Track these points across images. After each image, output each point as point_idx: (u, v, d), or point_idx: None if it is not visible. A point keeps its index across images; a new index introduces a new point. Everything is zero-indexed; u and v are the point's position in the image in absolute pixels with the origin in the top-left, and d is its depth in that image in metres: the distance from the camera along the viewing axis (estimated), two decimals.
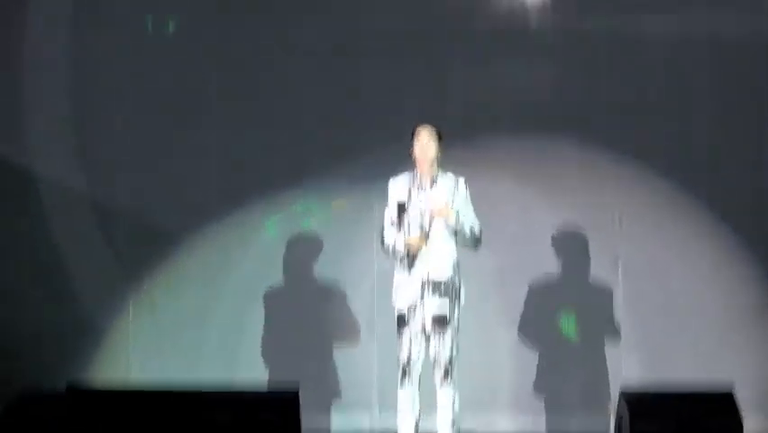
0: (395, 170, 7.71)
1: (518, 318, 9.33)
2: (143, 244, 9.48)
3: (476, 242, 7.62)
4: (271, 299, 9.53)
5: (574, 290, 9.36)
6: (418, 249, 7.32)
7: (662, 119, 9.32)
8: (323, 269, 9.48)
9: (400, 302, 7.51)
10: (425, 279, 7.49)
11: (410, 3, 9.41)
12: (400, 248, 7.39)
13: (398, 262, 7.44)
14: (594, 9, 9.38)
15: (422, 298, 7.46)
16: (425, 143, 7.54)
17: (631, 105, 9.25)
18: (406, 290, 7.55)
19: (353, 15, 9.41)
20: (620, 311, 9.28)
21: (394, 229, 7.45)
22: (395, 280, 7.56)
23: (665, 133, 9.32)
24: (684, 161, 9.30)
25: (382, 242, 7.53)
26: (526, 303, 9.33)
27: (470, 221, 7.55)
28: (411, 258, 7.32)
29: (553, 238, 9.37)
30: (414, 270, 7.47)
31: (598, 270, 9.36)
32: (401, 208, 7.43)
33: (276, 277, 9.56)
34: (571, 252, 9.37)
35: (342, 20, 9.42)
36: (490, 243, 8.25)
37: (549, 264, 9.40)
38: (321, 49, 9.41)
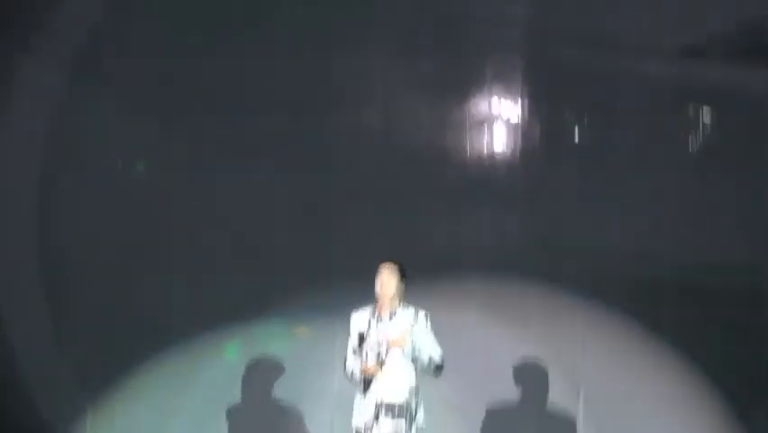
0: (360, 304, 7.96)
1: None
2: (103, 357, 9.43)
3: (437, 369, 7.85)
4: (231, 418, 9.48)
5: (535, 419, 9.41)
6: (374, 375, 7.66)
7: (624, 260, 9.45)
8: (283, 390, 9.52)
9: (357, 420, 7.80)
10: (379, 401, 7.75)
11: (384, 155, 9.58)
12: (358, 374, 7.72)
13: (357, 387, 7.76)
14: (559, 164, 9.59)
15: (376, 418, 7.73)
16: (386, 281, 7.85)
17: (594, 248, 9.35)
18: (362, 410, 7.82)
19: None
20: None
21: (355, 357, 7.77)
22: (355, 401, 7.84)
23: (627, 274, 9.45)
24: (646, 299, 9.41)
25: (344, 368, 7.85)
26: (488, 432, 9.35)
27: (428, 350, 7.79)
28: (367, 383, 7.65)
29: (515, 369, 9.43)
30: (369, 393, 7.76)
31: (560, 399, 9.41)
32: (361, 338, 7.74)
33: (235, 397, 9.53)
34: (532, 382, 9.43)
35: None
36: (453, 374, 8.39)
37: (511, 394, 9.44)
38: (296, 186, 9.63)
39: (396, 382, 7.85)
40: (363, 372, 7.70)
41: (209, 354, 9.58)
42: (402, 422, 7.77)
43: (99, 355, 9.45)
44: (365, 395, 7.72)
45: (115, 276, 9.56)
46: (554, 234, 9.47)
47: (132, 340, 9.48)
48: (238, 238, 9.54)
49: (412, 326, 7.79)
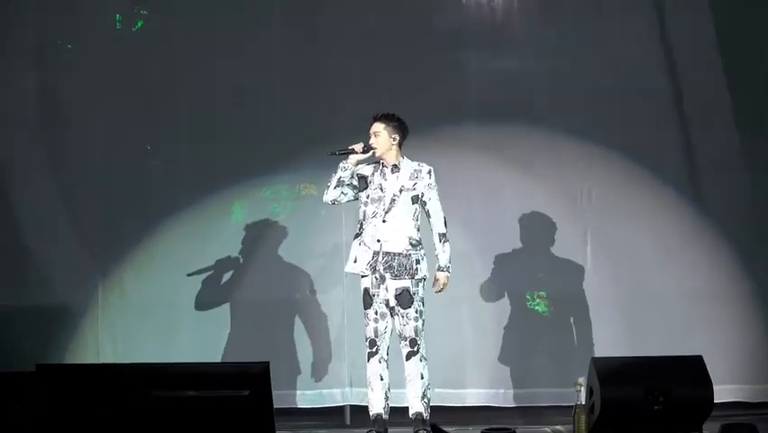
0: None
1: (489, 295, 9.27)
2: (112, 228, 9.30)
3: (441, 236, 7.66)
4: (240, 281, 9.41)
5: (544, 266, 9.29)
6: (356, 152, 7.40)
7: (631, 103, 9.28)
8: (291, 251, 9.35)
9: (351, 266, 7.56)
10: (378, 249, 7.49)
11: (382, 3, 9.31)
12: (343, 164, 7.42)
13: (335, 184, 7.49)
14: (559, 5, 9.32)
15: (374, 270, 7.51)
16: (375, 134, 7.61)
17: (602, 91, 9.28)
18: (358, 257, 7.58)
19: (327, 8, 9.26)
20: (590, 286, 9.27)
21: (339, 187, 7.52)
22: (351, 247, 7.59)
23: (634, 117, 9.27)
24: (654, 144, 9.29)
25: (326, 190, 7.54)
26: (496, 280, 9.23)
27: (433, 217, 7.60)
28: (346, 152, 7.32)
29: (522, 217, 9.30)
30: (367, 239, 7.52)
31: (568, 246, 9.28)
32: (362, 180, 7.52)
33: (244, 260, 9.43)
34: (539, 230, 9.29)
35: (316, 13, 9.31)
36: (460, 225, 8.51)
37: (518, 242, 9.34)
38: (292, 40, 9.30)
39: (396, 231, 7.56)
40: (349, 150, 7.46)
41: (218, 218, 9.41)
42: (408, 282, 7.54)
43: (108, 226, 9.34)
44: (364, 241, 7.42)
45: (121, 145, 9.39)
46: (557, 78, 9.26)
47: (138, 207, 9.38)
48: (238, 96, 9.30)
49: (415, 180, 7.53)
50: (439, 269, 7.55)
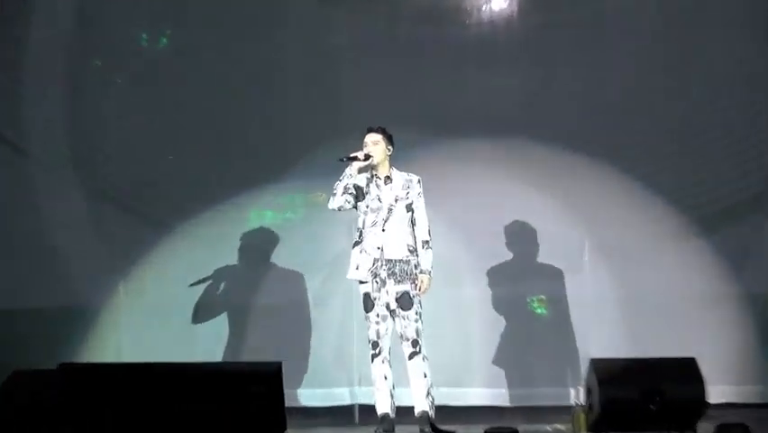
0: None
1: (491, 298, 9.12)
2: (133, 228, 9.25)
3: (424, 244, 7.55)
4: (255, 284, 9.36)
5: (544, 270, 9.16)
6: (359, 160, 7.29)
7: (624, 116, 9.22)
8: (302, 256, 9.29)
9: (353, 273, 7.45)
10: (378, 256, 7.44)
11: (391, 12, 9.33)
12: (348, 171, 7.34)
13: (341, 191, 7.39)
14: (558, 10, 9.28)
15: (376, 276, 7.43)
16: (375, 142, 7.52)
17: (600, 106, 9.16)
18: (359, 264, 7.49)
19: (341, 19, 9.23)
20: (588, 290, 9.17)
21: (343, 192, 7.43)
22: (352, 254, 7.49)
23: (626, 128, 9.22)
24: (648, 157, 9.20)
25: (332, 196, 7.44)
26: (498, 284, 9.13)
27: (419, 224, 7.53)
28: (350, 159, 7.18)
29: (523, 223, 9.22)
30: (368, 247, 7.43)
31: (567, 251, 9.19)
32: (358, 190, 7.41)
33: (258, 264, 9.39)
34: (539, 235, 9.22)
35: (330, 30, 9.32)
36: (463, 232, 8.65)
37: (519, 247, 9.21)
38: (303, 52, 9.32)
39: (395, 239, 7.51)
40: (353, 158, 7.34)
41: (235, 224, 9.37)
42: (408, 286, 7.50)
43: (129, 228, 9.29)
44: (345, 161, 7.33)
45: (145, 153, 9.37)
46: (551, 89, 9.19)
47: (160, 208, 9.33)
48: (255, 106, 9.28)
49: (407, 191, 7.48)
50: (421, 272, 7.48)
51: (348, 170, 7.35)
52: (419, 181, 7.53)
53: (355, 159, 7.33)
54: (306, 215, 9.27)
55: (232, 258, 9.24)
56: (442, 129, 9.06)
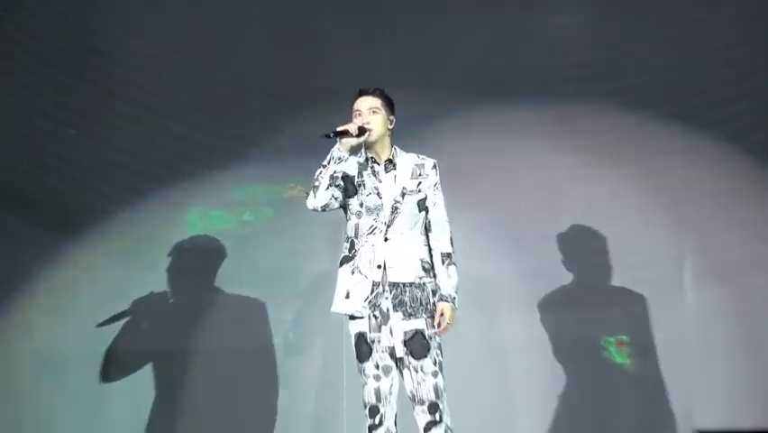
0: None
1: (544, 337, 7.90)
2: (11, 240, 8.12)
3: (445, 258, 6.52)
4: (199, 321, 8.09)
5: (625, 299, 7.93)
6: (352, 134, 6.24)
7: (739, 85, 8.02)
8: (269, 278, 8.11)
9: (341, 305, 6.42)
10: (380, 279, 6.37)
11: None
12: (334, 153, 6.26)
13: (326, 183, 6.31)
14: None
15: (375, 310, 6.35)
16: (372, 110, 6.44)
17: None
18: (352, 291, 6.42)
19: None
20: (691, 329, 7.91)
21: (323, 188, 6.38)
22: (338, 275, 6.42)
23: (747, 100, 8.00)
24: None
25: (307, 194, 6.39)
26: (557, 318, 7.92)
27: (436, 229, 6.50)
28: (339, 133, 6.20)
29: (592, 228, 7.99)
30: (362, 268, 6.37)
31: (659, 271, 7.91)
32: (347, 180, 6.37)
33: (204, 291, 8.16)
34: (618, 247, 7.97)
35: None
36: (504, 240, 7.78)
37: (587, 264, 7.96)
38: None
39: (403, 253, 6.34)
40: (342, 133, 6.27)
41: (165, 232, 8.15)
42: (422, 322, 6.30)
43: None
44: (331, 137, 6.26)
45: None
46: None
47: (47, 216, 8.20)
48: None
49: (419, 182, 6.43)
50: (441, 298, 6.44)
51: (335, 152, 6.30)
52: (435, 166, 6.49)
53: (345, 134, 6.30)
54: (273, 217, 8.16)
55: (159, 282, 8.00)
56: (467, 92, 8.14)
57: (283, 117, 8.05)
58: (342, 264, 6.36)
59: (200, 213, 8.18)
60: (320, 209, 6.33)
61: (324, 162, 6.22)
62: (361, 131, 6.20)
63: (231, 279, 8.06)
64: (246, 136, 8.10)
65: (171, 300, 7.99)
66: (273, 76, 8.19)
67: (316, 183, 6.27)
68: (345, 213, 6.41)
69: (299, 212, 7.32)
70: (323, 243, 7.83)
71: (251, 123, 8.16)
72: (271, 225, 8.10)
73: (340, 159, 6.20)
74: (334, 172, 6.24)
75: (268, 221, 8.11)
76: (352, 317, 6.34)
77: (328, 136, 6.15)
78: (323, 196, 6.23)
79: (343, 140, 6.21)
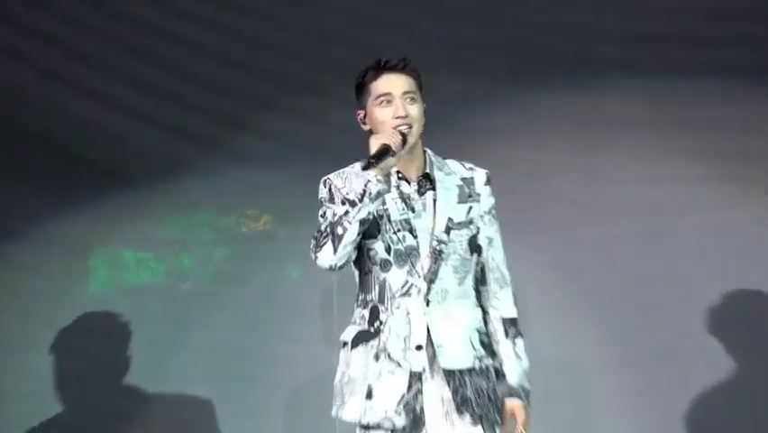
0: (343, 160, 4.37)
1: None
2: None
3: (508, 325, 4.32)
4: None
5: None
6: (393, 148, 4.05)
7: None
8: (225, 361, 5.79)
9: (354, 412, 4.22)
10: (420, 368, 4.21)
11: None
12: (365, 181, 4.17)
13: (355, 232, 4.21)
14: None
15: (411, 414, 4.19)
16: (408, 96, 4.16)
17: None
18: (375, 388, 4.21)
19: None
20: None
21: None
22: (347, 357, 4.22)
23: None
24: None
25: (317, 244, 4.16)
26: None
27: (494, 279, 4.30)
28: (379, 155, 4.02)
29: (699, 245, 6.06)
30: (396, 349, 4.22)
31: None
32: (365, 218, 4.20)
33: (116, 378, 5.94)
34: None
35: None
36: (577, 277, 5.76)
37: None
38: None
39: (455, 321, 4.23)
40: (381, 150, 4.11)
41: (58, 286, 5.92)
42: (486, 429, 4.25)
43: None
44: (373, 164, 4.13)
45: None
46: None
47: None
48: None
49: (469, 207, 4.29)
50: (511, 393, 4.31)
51: (372, 186, 4.15)
52: (489, 180, 4.36)
53: (385, 153, 4.07)
54: (225, 263, 5.94)
55: (43, 368, 5.91)
56: (510, 72, 6.16)
57: (256, 111, 5.95)
58: (356, 344, 4.26)
59: (105, 254, 5.91)
60: (335, 268, 4.30)
61: (353, 197, 4.21)
62: (403, 139, 4.12)
63: (157, 372, 5.72)
64: (184, 133, 5.90)
65: (64, 408, 5.70)
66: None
67: (339, 230, 4.25)
68: (359, 262, 4.32)
69: (268, 253, 5.71)
70: (309, 309, 5.58)
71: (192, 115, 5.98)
72: (222, 277, 5.82)
73: (379, 194, 4.12)
74: (364, 218, 4.28)
75: (217, 270, 5.84)
76: (368, 428, 4.24)
77: (370, 165, 4.13)
78: (348, 250, 4.24)
79: (381, 164, 4.18)
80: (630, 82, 6.18)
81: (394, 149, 4.04)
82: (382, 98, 4.14)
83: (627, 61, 6.30)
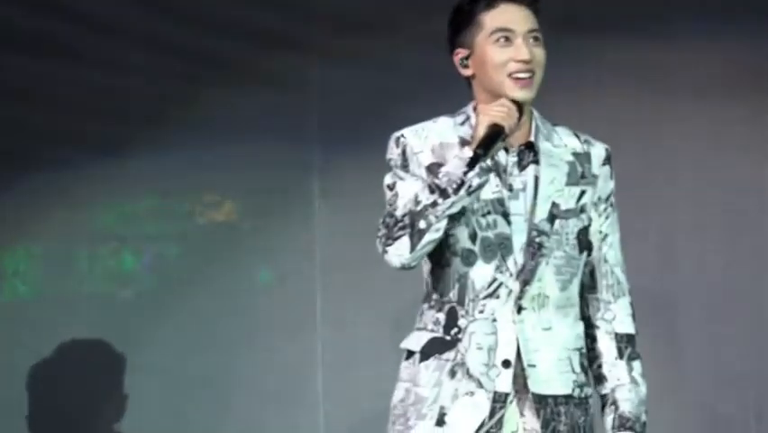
0: (407, 117, 3.19)
1: None
2: None
3: (625, 343, 3.49)
4: None
5: None
6: (503, 124, 3.28)
7: None
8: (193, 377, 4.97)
9: None
10: (511, 390, 3.45)
11: None
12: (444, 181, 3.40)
13: (441, 228, 3.40)
14: None
15: None
16: (523, 37, 3.28)
17: None
18: (456, 413, 3.42)
19: None
20: None
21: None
22: (404, 380, 3.40)
23: None
24: None
25: (389, 235, 3.27)
26: None
27: (613, 288, 3.47)
28: (489, 140, 3.21)
29: None
30: (477, 367, 3.43)
31: None
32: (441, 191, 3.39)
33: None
34: None
35: None
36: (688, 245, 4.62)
37: None
38: None
39: (550, 339, 3.35)
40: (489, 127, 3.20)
41: None
42: None
43: None
44: (481, 158, 3.23)
45: None
46: None
47: None
48: None
49: (581, 190, 3.35)
50: (624, 425, 3.44)
51: (474, 178, 3.41)
52: (609, 158, 3.47)
53: (499, 135, 3.21)
54: (181, 261, 5.06)
55: None
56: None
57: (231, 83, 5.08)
58: (426, 355, 3.58)
59: (23, 257, 5.05)
60: (408, 267, 3.69)
61: (445, 185, 3.51)
62: (520, 109, 3.36)
63: (89, 403, 4.81)
64: (123, 100, 4.91)
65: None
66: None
67: (421, 224, 3.56)
68: (433, 253, 3.53)
69: (232, 251, 4.85)
70: (284, 322, 4.73)
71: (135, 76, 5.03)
72: (172, 282, 4.91)
73: (480, 187, 3.40)
74: (461, 208, 3.72)
75: (166, 272, 4.97)
76: None
77: (479, 159, 3.40)
78: (428, 249, 3.55)
79: (492, 151, 3.54)
80: None
81: (507, 131, 3.25)
82: (501, 35, 3.37)
83: None
